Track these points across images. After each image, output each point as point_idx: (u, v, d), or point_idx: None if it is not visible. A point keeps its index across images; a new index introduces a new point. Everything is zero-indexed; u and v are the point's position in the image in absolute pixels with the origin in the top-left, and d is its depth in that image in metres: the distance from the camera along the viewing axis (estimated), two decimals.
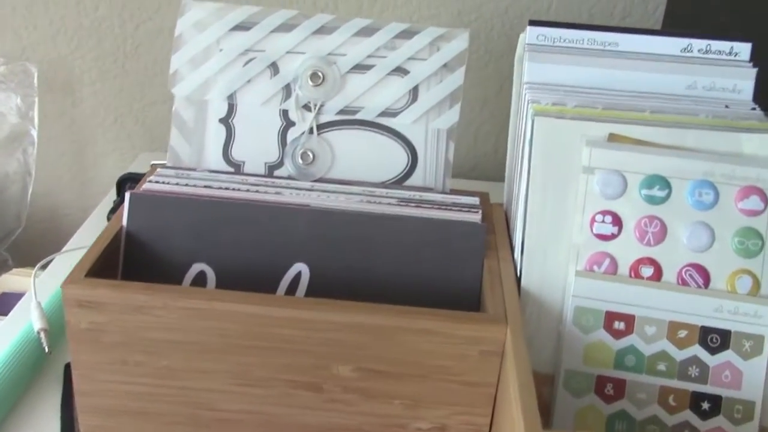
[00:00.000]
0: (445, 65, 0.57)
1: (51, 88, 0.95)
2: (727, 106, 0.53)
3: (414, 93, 0.57)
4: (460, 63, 0.57)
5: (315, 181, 0.58)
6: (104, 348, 0.48)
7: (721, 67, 0.55)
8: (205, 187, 0.55)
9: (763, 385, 0.47)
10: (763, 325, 0.47)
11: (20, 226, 0.95)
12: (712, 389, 0.48)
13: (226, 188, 0.55)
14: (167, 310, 0.46)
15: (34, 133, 0.92)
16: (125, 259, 0.52)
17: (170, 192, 0.54)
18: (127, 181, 0.79)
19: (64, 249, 0.74)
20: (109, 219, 0.77)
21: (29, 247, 1.00)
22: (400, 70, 0.57)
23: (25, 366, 0.58)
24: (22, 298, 0.69)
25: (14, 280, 0.88)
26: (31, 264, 0.91)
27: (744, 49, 0.55)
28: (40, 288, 0.63)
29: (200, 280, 0.52)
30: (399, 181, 0.58)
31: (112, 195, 0.83)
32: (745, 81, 0.54)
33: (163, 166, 0.59)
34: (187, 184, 0.56)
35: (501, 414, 0.46)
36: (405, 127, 0.58)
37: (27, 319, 0.61)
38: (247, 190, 0.55)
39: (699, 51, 0.56)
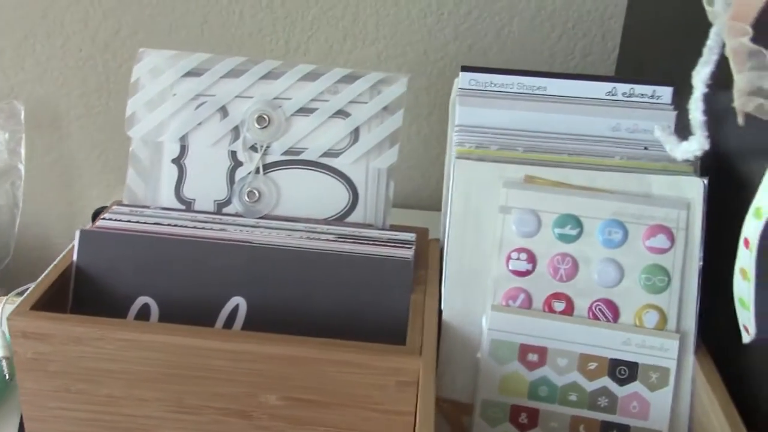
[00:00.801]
0: (385, 108, 0.60)
1: (39, 125, 0.99)
2: (646, 148, 0.56)
3: (355, 134, 0.60)
4: (399, 106, 0.60)
5: (261, 218, 0.61)
6: (48, 377, 0.51)
7: (643, 110, 0.57)
8: (156, 224, 0.59)
9: (669, 415, 0.49)
10: (668, 358, 0.49)
11: (8, 255, 0.99)
12: (620, 419, 0.50)
13: (175, 225, 0.59)
14: (105, 341, 0.50)
15: (22, 167, 0.96)
16: (75, 292, 0.56)
17: (120, 228, 0.58)
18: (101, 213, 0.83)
19: (39, 279, 0.78)
20: None
21: (20, 276, 1.03)
22: (341, 113, 0.61)
23: None
24: None
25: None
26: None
27: (666, 92, 0.58)
28: None
29: (144, 312, 0.55)
30: (341, 218, 0.61)
31: None
32: (666, 123, 0.57)
33: (120, 203, 0.63)
34: (138, 221, 0.59)
35: None
36: (346, 166, 0.61)
37: None
38: (194, 227, 0.59)
39: (623, 94, 0.58)
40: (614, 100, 0.58)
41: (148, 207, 0.62)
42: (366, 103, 0.61)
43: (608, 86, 0.59)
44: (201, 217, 0.61)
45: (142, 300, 0.55)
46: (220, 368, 0.50)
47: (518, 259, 0.52)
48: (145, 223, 0.59)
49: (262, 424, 0.51)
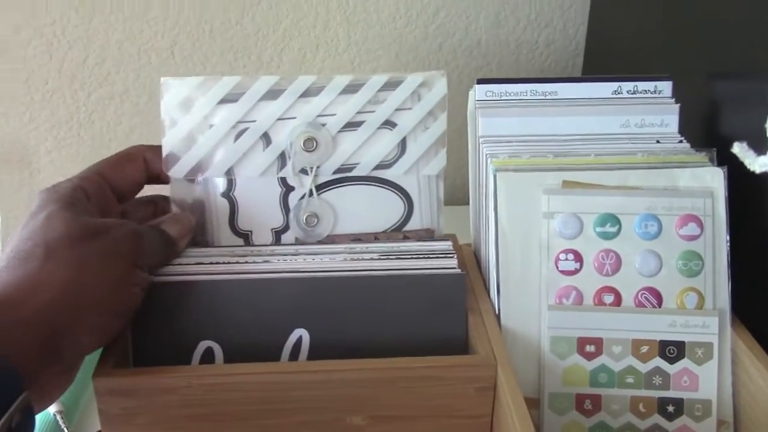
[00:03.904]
0: (428, 113, 0.60)
1: (8, 162, 0.97)
2: (658, 141, 0.60)
3: (402, 144, 0.60)
4: (441, 109, 0.60)
5: (320, 242, 0.62)
6: (136, 429, 0.52)
7: (648, 105, 0.62)
8: (197, 264, 0.59)
9: (716, 384, 0.55)
10: (710, 334, 0.55)
11: None
12: (674, 393, 0.55)
13: (217, 262, 0.59)
14: (192, 388, 0.51)
15: None
16: (135, 344, 0.56)
17: (166, 273, 0.58)
18: None
19: None
20: None
21: None
22: (388, 123, 0.60)
23: None
24: None
25: None
26: None
27: (666, 86, 0.62)
28: None
29: (208, 355, 0.56)
30: (399, 227, 0.62)
31: None
32: (671, 116, 0.61)
33: None
34: (179, 263, 0.59)
35: None
36: (398, 177, 0.61)
37: None
38: (236, 262, 0.59)
39: (628, 92, 0.63)
40: (620, 98, 0.63)
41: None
42: (410, 109, 0.60)
43: (614, 85, 0.63)
44: (239, 251, 0.61)
45: (204, 344, 0.56)
46: (305, 398, 0.52)
47: (566, 259, 0.56)
48: (186, 264, 0.59)
49: None
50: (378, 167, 0.60)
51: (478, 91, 0.62)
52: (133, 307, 0.51)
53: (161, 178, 0.60)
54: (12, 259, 0.46)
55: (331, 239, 0.62)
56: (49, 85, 0.93)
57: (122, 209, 0.58)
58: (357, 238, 0.62)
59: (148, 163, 0.59)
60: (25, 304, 0.44)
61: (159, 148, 0.59)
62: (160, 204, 0.61)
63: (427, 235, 0.63)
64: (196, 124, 0.60)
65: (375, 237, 0.62)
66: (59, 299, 0.45)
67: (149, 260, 0.54)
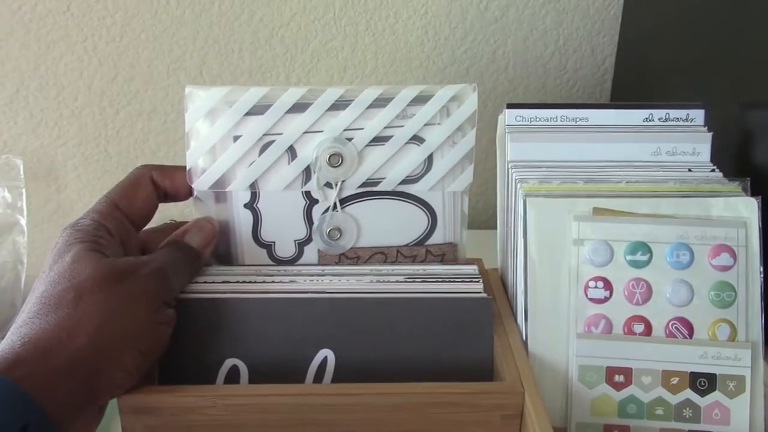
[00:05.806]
0: (457, 128, 0.59)
1: (35, 177, 0.97)
2: (690, 170, 0.60)
3: (429, 160, 0.60)
4: (471, 125, 0.60)
5: (342, 254, 0.62)
6: None
7: (680, 133, 0.61)
8: (224, 282, 0.59)
9: (748, 418, 0.54)
10: (743, 367, 0.54)
11: (15, 313, 0.97)
12: (705, 427, 0.54)
13: (243, 281, 0.59)
14: (216, 408, 0.51)
15: (23, 221, 0.94)
16: (161, 360, 0.56)
17: (193, 291, 0.58)
18: None
19: None
20: None
21: None
22: (416, 138, 0.60)
23: None
24: None
25: None
26: None
27: (699, 115, 0.62)
28: None
29: (234, 373, 0.56)
30: (421, 241, 0.62)
31: None
32: (703, 144, 0.61)
33: None
34: (205, 281, 0.59)
35: None
36: (423, 192, 0.60)
37: None
38: (263, 281, 0.59)
39: (659, 119, 0.62)
40: (652, 126, 0.62)
41: (209, 265, 0.62)
42: (439, 124, 0.59)
43: (645, 113, 0.62)
44: (265, 270, 0.61)
45: (230, 362, 0.56)
46: (329, 421, 0.51)
47: (595, 287, 0.55)
48: (212, 282, 0.59)
49: None
50: (403, 182, 0.60)
51: (508, 116, 0.62)
52: (162, 344, 0.51)
53: (169, 196, 0.60)
54: (43, 305, 0.46)
55: (353, 251, 0.62)
56: (79, 102, 0.94)
57: (143, 239, 0.58)
58: (379, 251, 0.62)
59: (155, 184, 0.59)
60: (59, 352, 0.44)
61: (163, 167, 0.59)
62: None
63: (450, 249, 0.62)
64: (221, 137, 0.59)
65: (397, 251, 0.62)
66: (91, 344, 0.45)
67: (175, 293, 0.54)
